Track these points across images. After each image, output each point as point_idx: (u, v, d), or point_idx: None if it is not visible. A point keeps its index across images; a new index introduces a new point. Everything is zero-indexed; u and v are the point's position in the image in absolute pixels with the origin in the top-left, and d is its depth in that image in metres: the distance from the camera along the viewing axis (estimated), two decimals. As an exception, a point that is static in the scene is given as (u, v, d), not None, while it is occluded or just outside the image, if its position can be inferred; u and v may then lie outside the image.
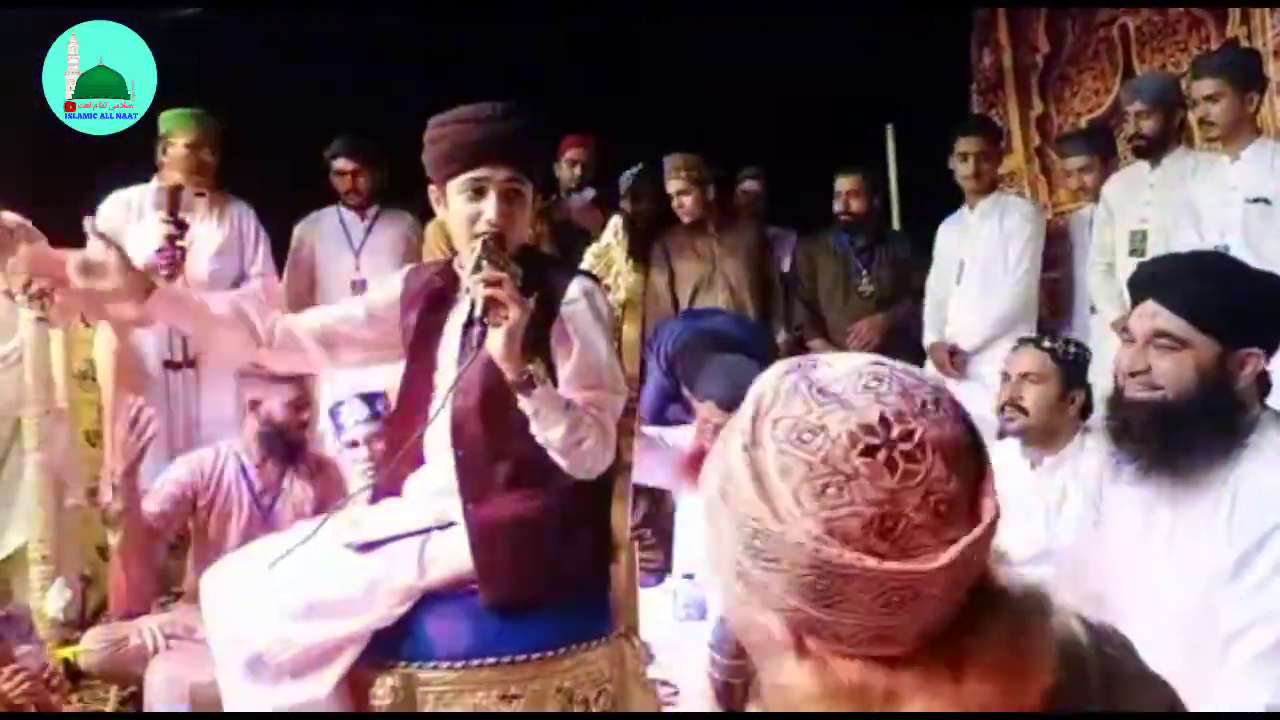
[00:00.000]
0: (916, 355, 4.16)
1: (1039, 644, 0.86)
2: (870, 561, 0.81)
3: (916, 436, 0.83)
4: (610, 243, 2.37)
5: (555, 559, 2.00)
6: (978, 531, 0.83)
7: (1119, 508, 1.92)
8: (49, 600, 2.89)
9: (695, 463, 3.14)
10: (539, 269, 2.06)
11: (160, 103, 3.77)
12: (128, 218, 3.79)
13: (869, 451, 0.82)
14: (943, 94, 5.35)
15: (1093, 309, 3.99)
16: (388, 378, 2.83)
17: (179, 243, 3.61)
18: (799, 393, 0.86)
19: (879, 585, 0.81)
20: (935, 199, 4.48)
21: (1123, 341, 1.86)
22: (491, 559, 1.96)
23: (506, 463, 1.99)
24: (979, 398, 3.88)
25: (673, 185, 4.45)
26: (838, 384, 0.86)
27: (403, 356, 2.17)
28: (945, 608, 0.84)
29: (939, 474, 0.82)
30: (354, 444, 3.10)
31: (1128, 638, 0.98)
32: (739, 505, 0.85)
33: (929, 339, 4.14)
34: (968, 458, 0.85)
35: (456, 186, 2.00)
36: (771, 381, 0.89)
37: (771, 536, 0.83)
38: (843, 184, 4.42)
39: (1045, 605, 0.88)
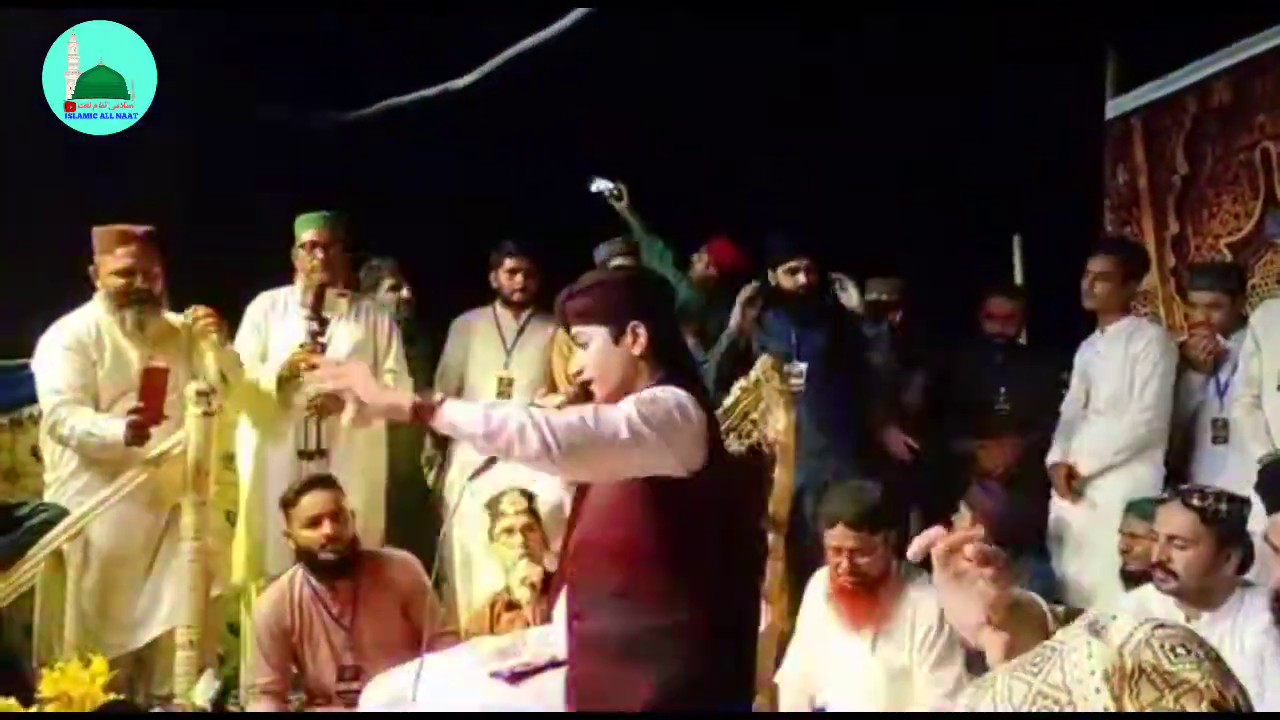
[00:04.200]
0: (1047, 481, 4.07)
1: None
2: None
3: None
4: (759, 379, 2.41)
5: (655, 676, 2.04)
6: None
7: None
8: (198, 690, 3.00)
9: (850, 603, 3.06)
10: None
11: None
12: (271, 315, 4.03)
13: None
14: (1072, 208, 5.30)
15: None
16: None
17: (320, 338, 3.82)
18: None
19: None
20: (1062, 315, 4.42)
21: None
22: (582, 670, 2.08)
23: (612, 581, 2.09)
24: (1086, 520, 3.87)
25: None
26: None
27: None
28: None
29: None
30: (510, 531, 3.28)
31: None
32: None
33: (1051, 458, 4.03)
34: None
35: None
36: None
37: None
38: (1002, 306, 4.33)
39: None
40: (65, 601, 3.27)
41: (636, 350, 2.17)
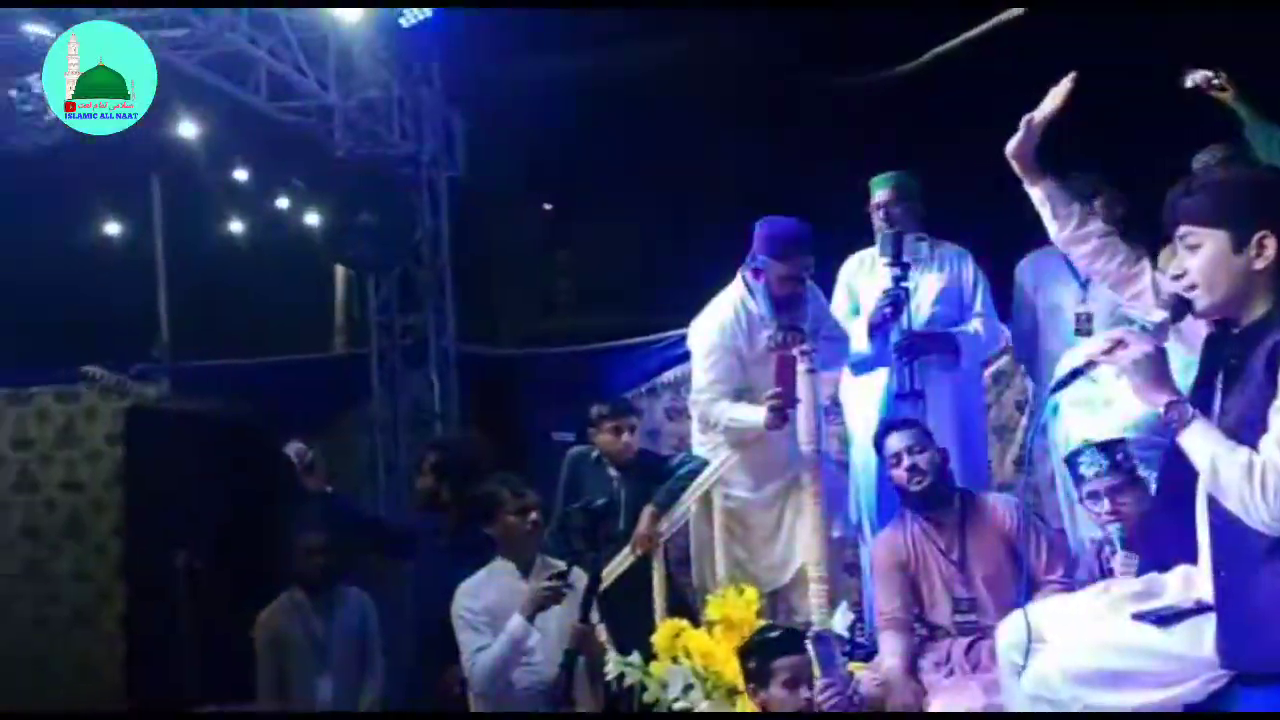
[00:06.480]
0: None
1: None
2: None
3: None
4: None
5: None
6: None
7: None
8: (835, 620, 3.32)
9: None
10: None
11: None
12: (859, 273, 4.27)
13: None
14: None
15: None
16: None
17: (902, 283, 3.97)
18: None
19: None
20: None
21: None
22: (1229, 622, 1.96)
23: (1259, 535, 1.92)
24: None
25: None
26: None
27: None
28: None
29: None
30: (1094, 496, 3.04)
31: None
32: None
33: None
34: None
35: None
36: None
37: None
38: None
39: None
40: (714, 540, 3.78)
41: (1260, 264, 1.98)
